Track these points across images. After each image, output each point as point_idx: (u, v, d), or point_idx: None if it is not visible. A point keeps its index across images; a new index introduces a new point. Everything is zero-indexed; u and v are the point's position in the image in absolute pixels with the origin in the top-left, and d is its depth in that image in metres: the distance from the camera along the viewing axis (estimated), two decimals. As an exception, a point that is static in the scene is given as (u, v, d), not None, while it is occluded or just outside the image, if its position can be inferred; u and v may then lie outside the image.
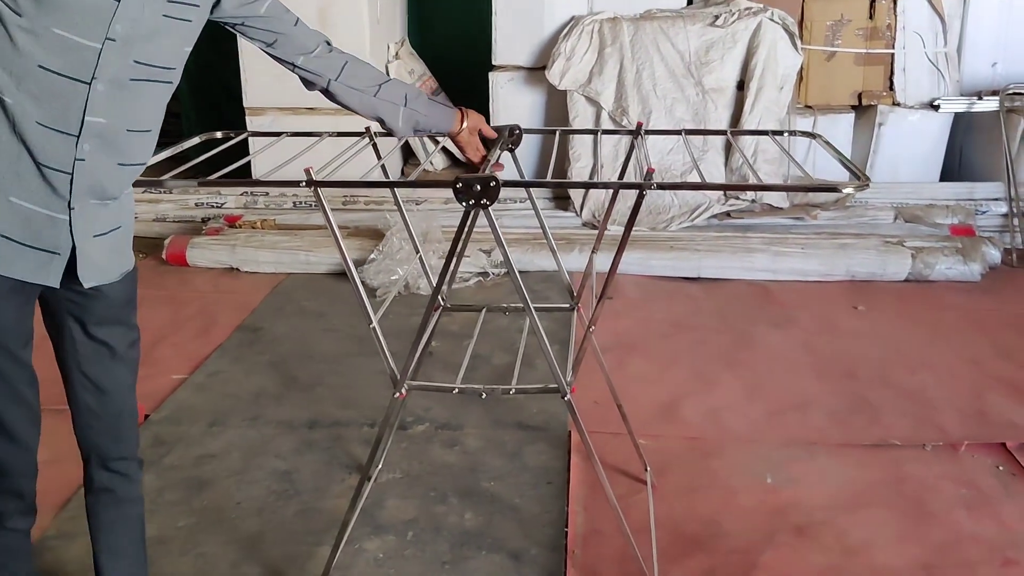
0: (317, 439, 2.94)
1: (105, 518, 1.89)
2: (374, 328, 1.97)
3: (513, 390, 2.06)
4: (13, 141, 1.52)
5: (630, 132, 2.40)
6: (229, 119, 5.81)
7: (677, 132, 2.59)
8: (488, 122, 2.18)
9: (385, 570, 2.29)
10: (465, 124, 2.10)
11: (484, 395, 2.04)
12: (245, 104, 5.30)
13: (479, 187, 1.78)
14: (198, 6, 1.66)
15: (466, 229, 1.94)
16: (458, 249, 1.96)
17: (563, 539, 2.41)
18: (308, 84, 1.97)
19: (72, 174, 1.56)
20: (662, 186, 1.77)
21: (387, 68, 5.37)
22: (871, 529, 2.45)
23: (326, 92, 1.97)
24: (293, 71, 1.93)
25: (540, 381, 3.27)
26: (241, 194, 5.26)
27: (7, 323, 1.61)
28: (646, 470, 2.67)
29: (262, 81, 5.18)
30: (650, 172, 1.75)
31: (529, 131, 2.38)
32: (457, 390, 2.06)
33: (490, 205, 1.80)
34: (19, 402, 1.68)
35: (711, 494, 2.61)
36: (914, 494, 2.61)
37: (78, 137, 1.55)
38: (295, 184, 1.85)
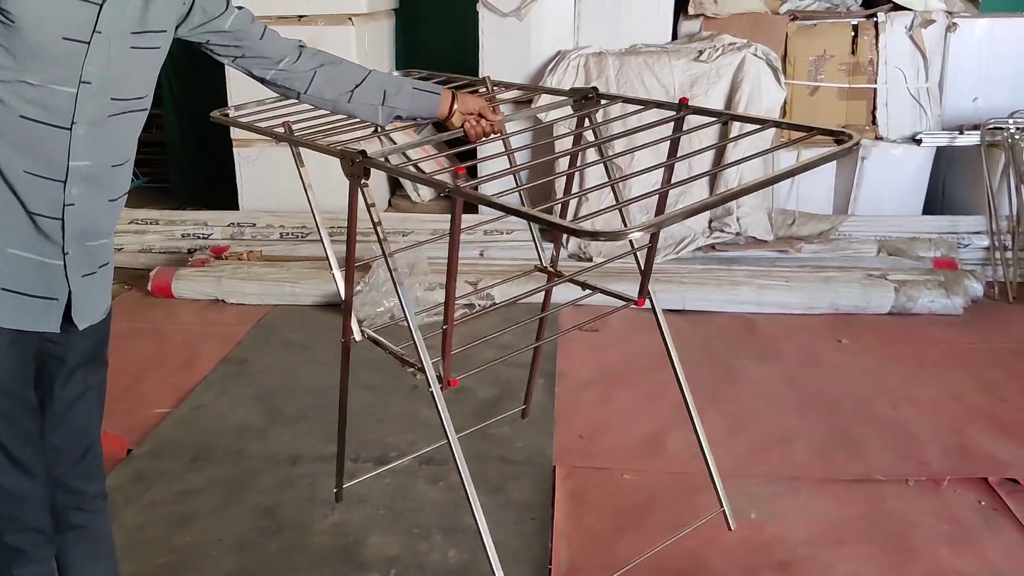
0: (300, 475, 2.93)
1: (78, 556, 1.87)
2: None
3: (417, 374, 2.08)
4: (4, 191, 1.53)
5: (674, 106, 2.25)
6: (215, 149, 5.83)
7: (720, 114, 2.37)
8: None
9: (367, 608, 2.28)
10: (456, 107, 2.10)
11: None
12: (232, 135, 5.31)
13: (352, 162, 1.88)
14: (165, 31, 1.66)
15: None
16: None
17: (547, 575, 2.40)
18: (283, 95, 2.00)
19: (63, 219, 1.58)
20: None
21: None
22: (854, 565, 2.45)
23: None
24: (264, 85, 1.95)
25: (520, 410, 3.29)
26: (228, 225, 5.27)
27: (13, 371, 1.62)
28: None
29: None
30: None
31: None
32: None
33: (361, 180, 1.92)
34: (31, 441, 1.69)
35: (695, 529, 2.61)
36: (897, 530, 2.62)
37: (65, 182, 1.56)
38: (272, 134, 2.08)
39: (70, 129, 1.53)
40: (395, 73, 2.33)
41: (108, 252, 1.73)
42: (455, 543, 2.55)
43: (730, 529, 2.45)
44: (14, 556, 1.72)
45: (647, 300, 2.39)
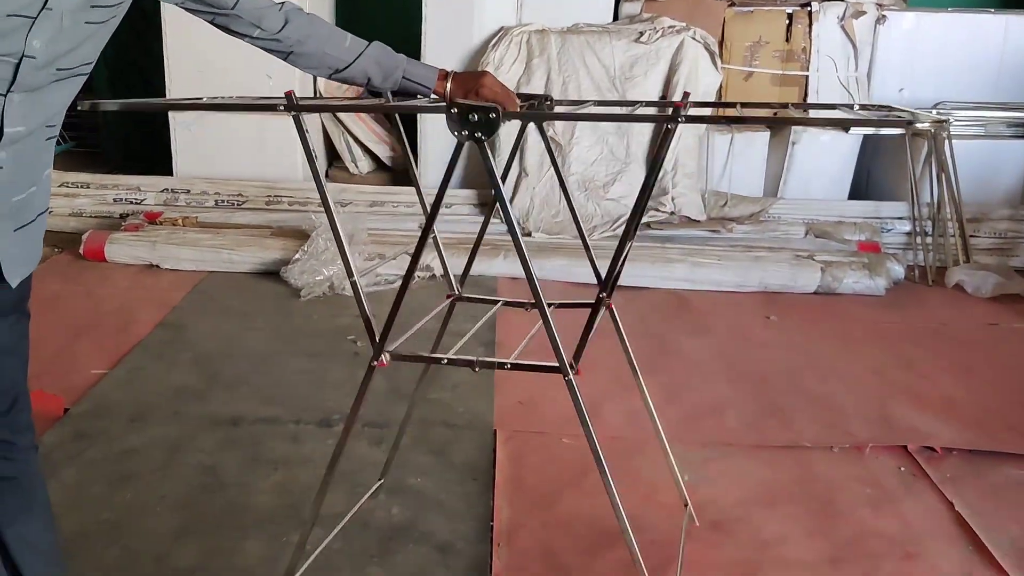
0: (242, 436, 2.93)
1: (12, 508, 1.82)
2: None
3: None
4: None
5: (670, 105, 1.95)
6: (148, 113, 5.74)
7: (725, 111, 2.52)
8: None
9: (314, 563, 2.30)
10: (449, 87, 1.96)
11: (477, 368, 1.95)
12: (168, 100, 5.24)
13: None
14: (122, 2, 1.58)
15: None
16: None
17: (489, 532, 2.46)
18: None
19: None
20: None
21: (314, 79, 5.35)
22: (782, 525, 2.56)
23: None
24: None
25: (463, 383, 3.34)
26: (161, 191, 5.20)
27: None
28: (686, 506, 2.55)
29: (185, 76, 5.14)
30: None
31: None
32: (446, 361, 1.96)
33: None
34: None
35: (632, 491, 2.69)
36: (822, 493, 2.74)
37: None
38: (273, 109, 1.78)
39: (5, 96, 1.45)
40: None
41: (44, 199, 1.67)
42: (399, 501, 2.59)
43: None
44: None
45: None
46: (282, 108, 1.77)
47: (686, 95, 2.11)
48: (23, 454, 1.81)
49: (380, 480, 2.64)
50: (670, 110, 1.65)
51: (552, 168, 5.01)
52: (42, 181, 1.65)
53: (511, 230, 1.76)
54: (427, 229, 1.88)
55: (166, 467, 2.73)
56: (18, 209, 1.58)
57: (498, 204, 1.80)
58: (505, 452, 2.87)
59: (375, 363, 1.91)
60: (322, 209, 2.02)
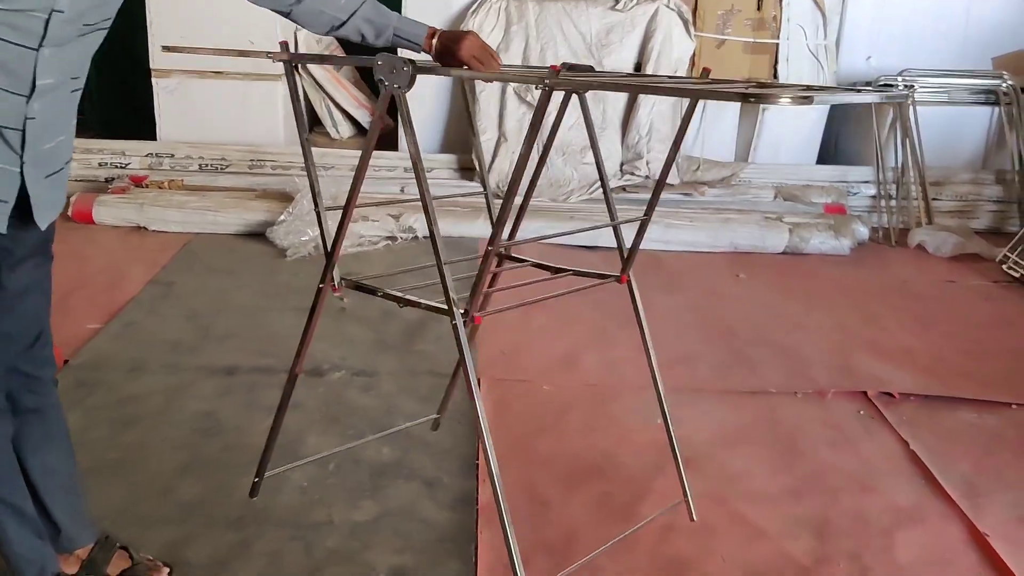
0: (237, 384, 3.06)
1: (35, 438, 1.94)
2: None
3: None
4: None
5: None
6: (131, 81, 5.80)
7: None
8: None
9: (309, 496, 2.45)
10: (435, 45, 2.03)
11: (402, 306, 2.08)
12: (152, 65, 5.31)
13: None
14: None
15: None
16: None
17: (474, 470, 2.61)
18: None
19: (24, 131, 1.60)
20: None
21: (295, 37, 5.44)
22: (748, 462, 2.74)
23: None
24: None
25: (446, 335, 3.48)
26: (146, 155, 5.28)
27: None
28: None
29: (170, 43, 5.20)
30: None
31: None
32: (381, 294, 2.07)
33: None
34: None
35: (608, 432, 2.86)
36: (786, 434, 2.92)
37: (29, 97, 1.58)
38: (263, 55, 1.93)
39: (37, 50, 1.55)
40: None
41: (69, 149, 1.77)
42: (388, 442, 2.73)
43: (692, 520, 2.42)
44: None
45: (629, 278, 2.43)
46: (268, 55, 1.93)
47: (706, 71, 2.26)
48: (45, 387, 1.94)
49: (436, 415, 2.81)
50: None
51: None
52: (69, 131, 1.76)
53: (419, 183, 1.87)
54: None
55: (166, 412, 2.86)
56: (48, 157, 1.69)
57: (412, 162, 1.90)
58: (490, 398, 3.02)
59: (321, 285, 2.09)
60: (305, 173, 2.17)
